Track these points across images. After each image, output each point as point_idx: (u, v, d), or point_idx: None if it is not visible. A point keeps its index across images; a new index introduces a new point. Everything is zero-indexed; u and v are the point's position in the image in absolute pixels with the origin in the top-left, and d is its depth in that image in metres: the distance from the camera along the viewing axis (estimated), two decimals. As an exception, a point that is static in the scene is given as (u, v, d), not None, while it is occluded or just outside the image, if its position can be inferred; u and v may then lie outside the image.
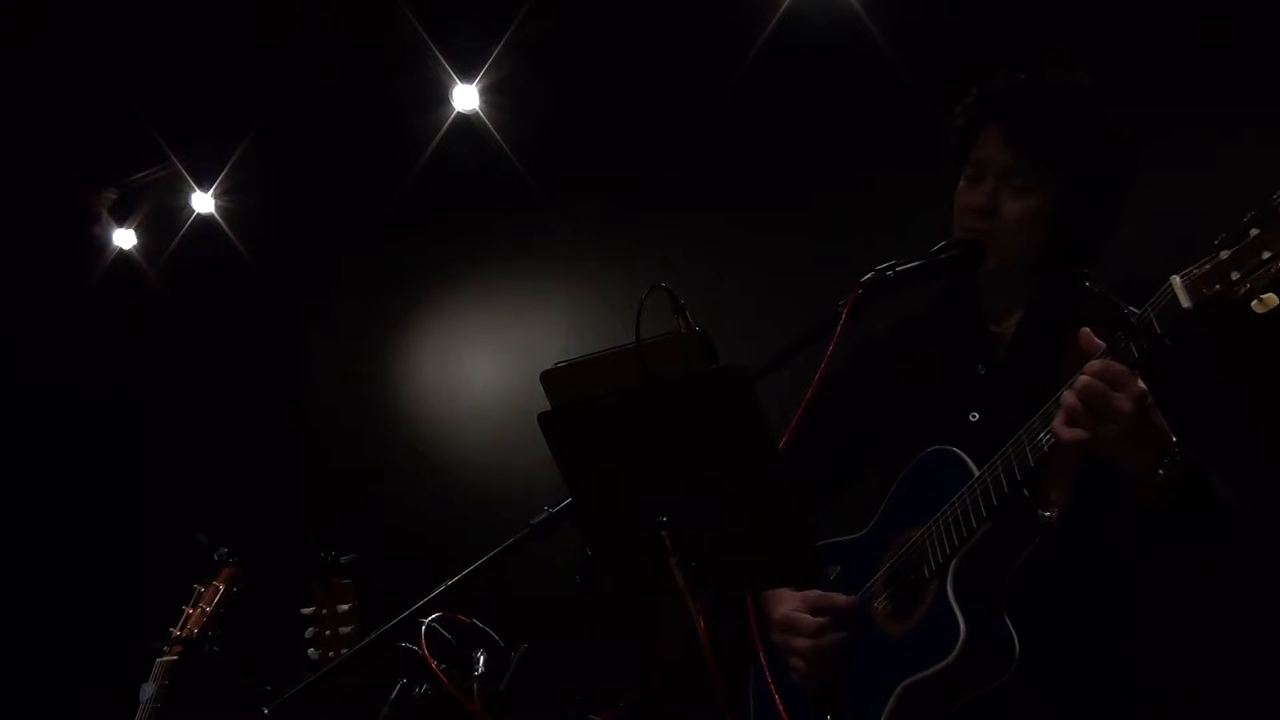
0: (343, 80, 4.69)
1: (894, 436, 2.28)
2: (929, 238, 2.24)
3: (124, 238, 5.40)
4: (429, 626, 2.09)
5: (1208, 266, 1.71)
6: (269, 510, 4.75)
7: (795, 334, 2.08)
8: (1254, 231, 1.67)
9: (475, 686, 2.10)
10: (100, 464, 5.35)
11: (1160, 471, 1.84)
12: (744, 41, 3.97)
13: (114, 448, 5.36)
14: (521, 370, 4.36)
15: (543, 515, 2.00)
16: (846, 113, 3.83)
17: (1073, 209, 2.17)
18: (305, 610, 2.42)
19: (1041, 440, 1.92)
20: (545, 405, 1.81)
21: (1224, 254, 1.69)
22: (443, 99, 4.58)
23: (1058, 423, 1.86)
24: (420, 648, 2.09)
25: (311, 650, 2.40)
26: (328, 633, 2.41)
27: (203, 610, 2.89)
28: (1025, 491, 1.96)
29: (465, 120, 4.59)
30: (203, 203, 5.14)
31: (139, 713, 2.78)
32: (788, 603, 2.25)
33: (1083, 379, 1.81)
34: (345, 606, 2.42)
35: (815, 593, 2.24)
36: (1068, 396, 1.83)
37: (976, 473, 2.02)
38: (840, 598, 2.23)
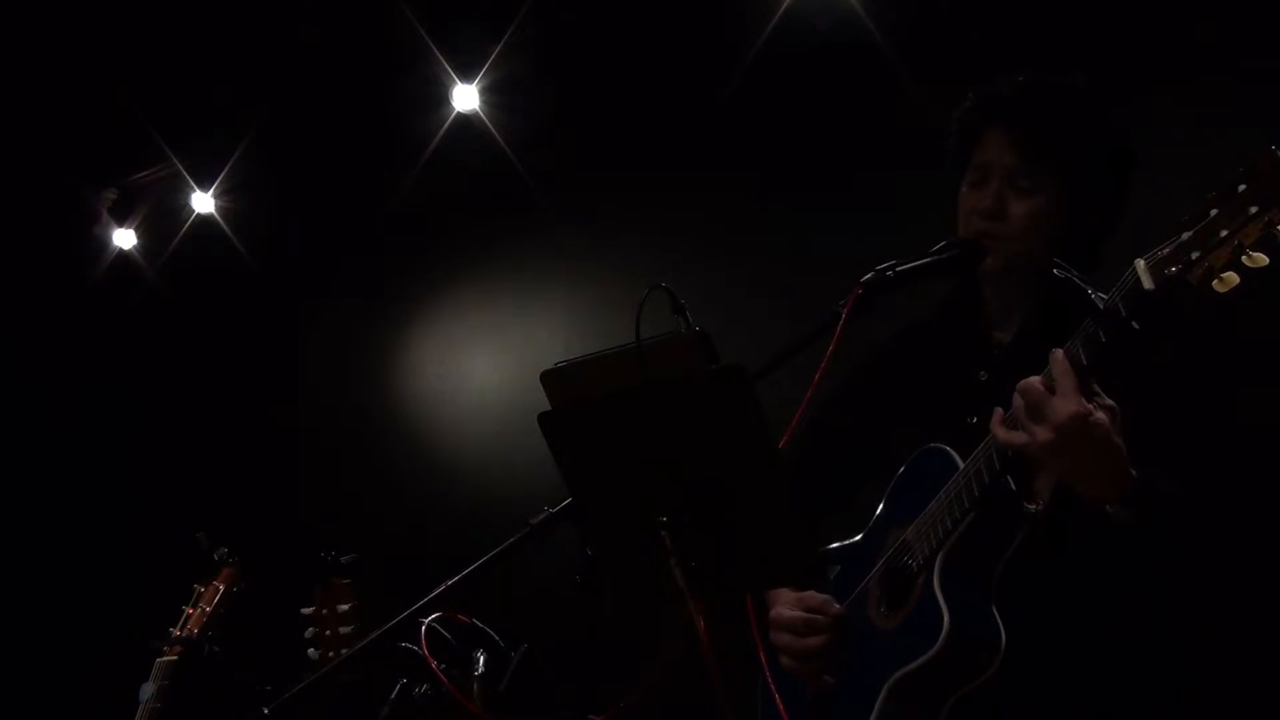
0: (343, 80, 4.69)
1: (896, 444, 2.29)
2: (929, 238, 2.24)
3: (124, 238, 5.39)
4: (429, 626, 2.09)
5: (1170, 248, 1.72)
6: (269, 510, 4.75)
7: (795, 334, 2.08)
8: (1213, 211, 1.68)
9: (475, 686, 2.10)
10: (100, 464, 5.35)
11: (1109, 509, 1.86)
12: (744, 41, 3.97)
13: (114, 448, 5.36)
14: (521, 370, 4.37)
15: (543, 515, 2.00)
16: (846, 113, 3.83)
17: (1076, 208, 2.18)
18: (305, 610, 2.42)
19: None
20: (545, 405, 1.81)
21: (1185, 235, 1.70)
22: (443, 99, 4.58)
23: (995, 421, 1.89)
24: (420, 648, 2.09)
25: (311, 650, 2.40)
26: (328, 633, 2.41)
27: (203, 610, 2.89)
28: (1011, 483, 1.97)
29: (465, 120, 4.59)
30: (203, 203, 5.14)
31: (139, 713, 2.78)
32: (783, 603, 2.26)
33: (1027, 381, 1.83)
34: (345, 606, 2.42)
35: (811, 593, 2.25)
36: (1015, 397, 1.84)
37: (961, 466, 2.04)
38: (828, 599, 2.23)
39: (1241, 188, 1.66)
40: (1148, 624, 2.09)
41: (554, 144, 4.46)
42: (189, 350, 5.25)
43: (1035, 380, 1.84)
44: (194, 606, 2.91)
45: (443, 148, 4.63)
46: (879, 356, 2.44)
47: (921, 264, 2.15)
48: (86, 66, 4.60)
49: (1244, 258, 1.66)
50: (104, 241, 5.41)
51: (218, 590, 2.92)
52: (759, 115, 4.02)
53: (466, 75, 4.51)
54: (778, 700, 2.08)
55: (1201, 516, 1.95)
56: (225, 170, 5.06)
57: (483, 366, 4.78)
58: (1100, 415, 1.80)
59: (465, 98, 4.54)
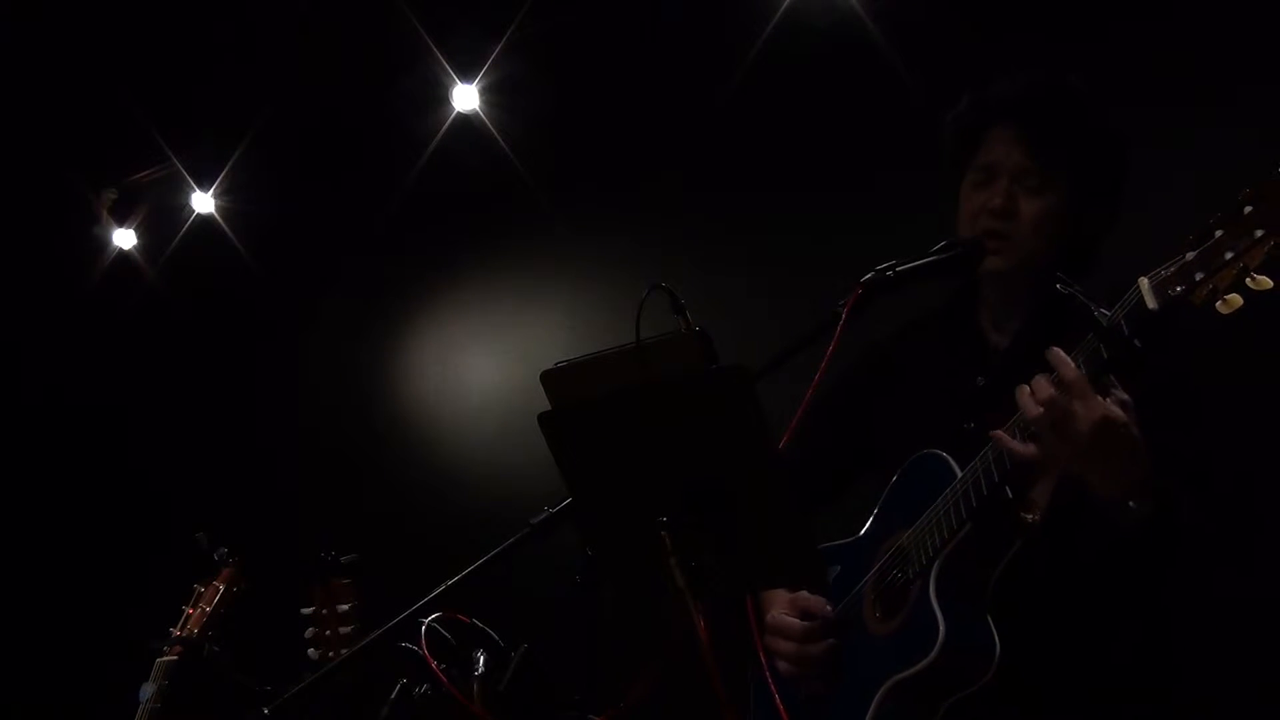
0: (343, 80, 4.69)
1: (893, 447, 2.29)
2: (929, 238, 2.24)
3: (124, 238, 5.39)
4: (429, 626, 2.09)
5: (1174, 268, 1.73)
6: (269, 510, 4.75)
7: (795, 334, 2.08)
8: (1218, 233, 1.69)
9: (475, 686, 2.10)
10: (100, 464, 5.35)
11: (1131, 504, 1.86)
12: (744, 41, 3.97)
13: (114, 447, 5.36)
14: (521, 370, 4.36)
15: (543, 515, 2.00)
16: (846, 113, 3.83)
17: (1081, 210, 2.19)
18: (305, 610, 2.43)
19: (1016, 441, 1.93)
20: (545, 405, 1.81)
21: (1189, 255, 1.71)
22: (443, 99, 4.58)
23: (999, 433, 1.89)
24: (420, 648, 2.09)
25: (311, 650, 2.40)
26: (328, 633, 2.41)
27: (203, 610, 2.89)
28: (1009, 493, 1.97)
29: (465, 120, 4.58)
30: (203, 203, 5.14)
31: (139, 713, 2.78)
32: (778, 605, 2.26)
33: (1043, 389, 1.82)
34: (345, 606, 2.43)
35: (804, 595, 2.25)
36: (1029, 408, 1.84)
37: (959, 475, 2.04)
38: (822, 602, 2.24)
39: (1248, 210, 1.66)
40: (1142, 634, 2.09)
41: (554, 144, 4.46)
42: (189, 350, 5.25)
43: (1047, 385, 1.83)
44: (194, 606, 2.91)
45: (443, 148, 4.63)
46: (878, 353, 2.44)
47: (921, 264, 2.15)
48: (86, 66, 4.60)
49: (1248, 280, 1.66)
50: (104, 241, 5.40)
51: (218, 590, 2.92)
52: (759, 115, 4.02)
53: (466, 75, 4.51)
54: (777, 700, 2.08)
55: (1200, 522, 1.95)
56: (225, 170, 5.05)
57: (483, 366, 4.78)
58: (1120, 413, 1.80)
59: (465, 98, 4.54)
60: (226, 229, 5.15)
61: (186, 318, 5.27)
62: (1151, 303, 1.74)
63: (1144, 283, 1.75)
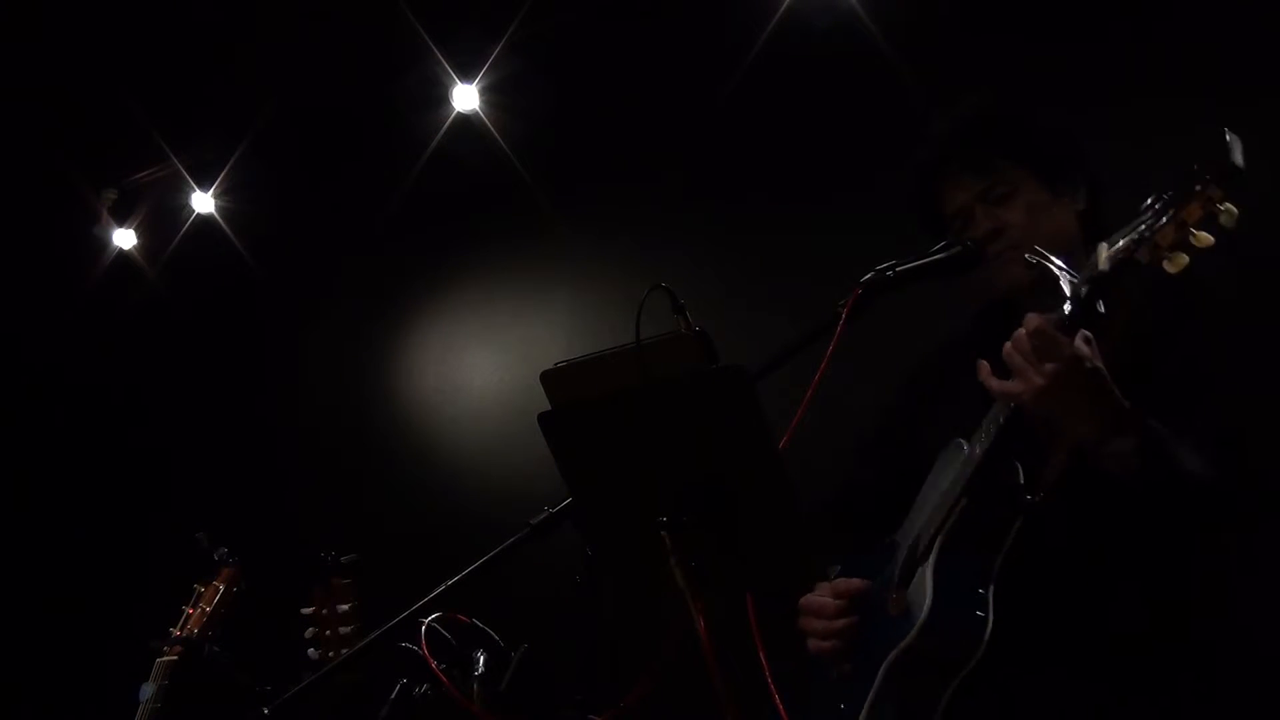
0: (343, 80, 4.69)
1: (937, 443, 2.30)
2: (929, 238, 2.24)
3: (124, 238, 5.39)
4: (429, 626, 2.09)
5: (1129, 232, 1.76)
6: (269, 510, 4.75)
7: (795, 334, 2.08)
8: (1166, 195, 1.74)
9: (475, 686, 2.10)
10: (100, 464, 5.35)
11: (1110, 438, 1.86)
12: (744, 41, 3.97)
13: (114, 447, 5.36)
14: (521, 370, 4.37)
15: (543, 515, 2.01)
16: (846, 113, 3.83)
17: (1058, 190, 2.22)
18: (305, 610, 2.43)
19: (997, 414, 1.96)
20: (545, 405, 1.81)
21: (1142, 219, 1.76)
22: (443, 99, 4.58)
23: (983, 372, 1.90)
24: (420, 648, 2.09)
25: (311, 650, 2.41)
26: (328, 633, 2.41)
27: (203, 610, 2.89)
28: (1020, 473, 1.97)
29: (465, 120, 4.58)
30: (203, 203, 5.14)
31: (139, 713, 2.78)
32: (819, 588, 2.27)
33: (1017, 332, 1.85)
34: (345, 606, 2.43)
35: (842, 580, 2.26)
36: (1004, 348, 1.87)
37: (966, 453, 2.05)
38: (858, 583, 2.24)
39: (1194, 167, 1.72)
40: (1159, 612, 2.07)
41: (554, 144, 4.46)
42: (189, 350, 5.25)
43: (1021, 331, 1.85)
44: (194, 606, 2.91)
45: (443, 148, 4.63)
46: (924, 372, 2.45)
47: (921, 264, 2.16)
48: (86, 66, 4.59)
49: (1190, 237, 1.70)
50: (104, 241, 5.40)
51: (218, 590, 2.93)
52: (759, 115, 4.02)
53: (466, 75, 4.51)
54: (777, 701, 2.08)
55: (1235, 491, 1.94)
56: (225, 170, 5.05)
57: (483, 367, 4.77)
58: (1085, 349, 1.83)
59: (465, 98, 4.54)
60: (226, 229, 5.15)
61: (186, 318, 5.27)
62: (1104, 265, 1.77)
63: (1102, 246, 1.79)
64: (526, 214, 4.50)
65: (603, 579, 1.91)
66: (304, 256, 5.02)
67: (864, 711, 2.08)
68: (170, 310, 5.30)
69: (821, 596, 2.25)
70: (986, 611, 1.97)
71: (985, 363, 1.92)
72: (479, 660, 2.12)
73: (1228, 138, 1.75)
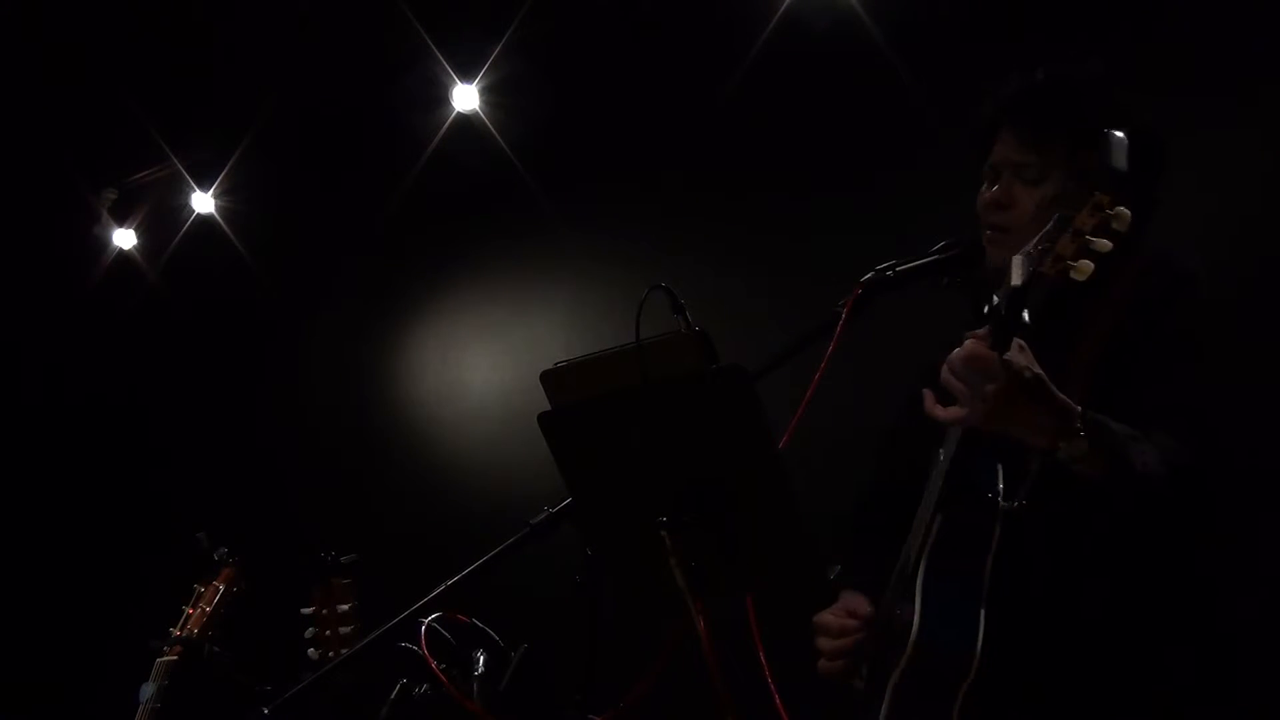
0: (343, 80, 4.69)
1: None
2: (929, 238, 2.24)
3: (124, 238, 5.39)
4: (429, 626, 2.09)
5: (1039, 245, 1.79)
6: (269, 510, 4.75)
7: (795, 334, 2.08)
8: (1070, 210, 1.76)
9: (475, 686, 2.10)
10: (100, 464, 5.35)
11: (1061, 444, 1.86)
12: (743, 41, 3.97)
13: (114, 448, 5.36)
14: (521, 370, 4.36)
15: (543, 515, 2.01)
16: (846, 113, 3.83)
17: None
18: (305, 610, 2.43)
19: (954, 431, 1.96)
20: (545, 405, 1.81)
21: (1046, 232, 1.79)
22: (443, 99, 4.58)
23: (928, 402, 1.91)
24: (420, 648, 2.09)
25: (311, 650, 2.41)
26: (328, 633, 2.41)
27: (203, 610, 2.89)
28: (1000, 475, 1.98)
29: (465, 120, 4.59)
30: (203, 203, 5.14)
31: (139, 713, 2.78)
32: (841, 603, 2.28)
33: (951, 356, 1.86)
34: (345, 606, 2.43)
35: (851, 597, 2.26)
36: (942, 374, 1.88)
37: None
38: (864, 601, 2.24)
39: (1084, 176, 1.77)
40: (1150, 616, 2.07)
41: (554, 144, 4.46)
42: (189, 350, 5.25)
43: (952, 361, 1.86)
44: (194, 606, 2.91)
45: (443, 148, 4.63)
46: (927, 371, 2.45)
47: (921, 264, 2.16)
48: (86, 66, 4.60)
49: (1090, 244, 1.73)
50: (104, 241, 5.41)
51: (218, 590, 2.92)
52: (759, 115, 4.02)
53: (466, 75, 4.51)
54: (778, 701, 2.08)
55: (1206, 478, 1.94)
56: (225, 170, 5.06)
57: (483, 366, 4.77)
58: (1019, 356, 1.83)
59: (465, 98, 4.54)
60: (226, 229, 5.15)
61: (186, 318, 5.27)
62: (1016, 279, 1.79)
63: (1015, 261, 1.82)
64: (526, 214, 4.50)
65: (603, 579, 1.91)
66: (304, 256, 5.02)
67: None
68: (170, 310, 5.30)
69: (833, 615, 2.25)
70: (977, 624, 1.97)
71: (929, 392, 1.92)
72: (479, 660, 2.13)
73: (1111, 141, 1.78)
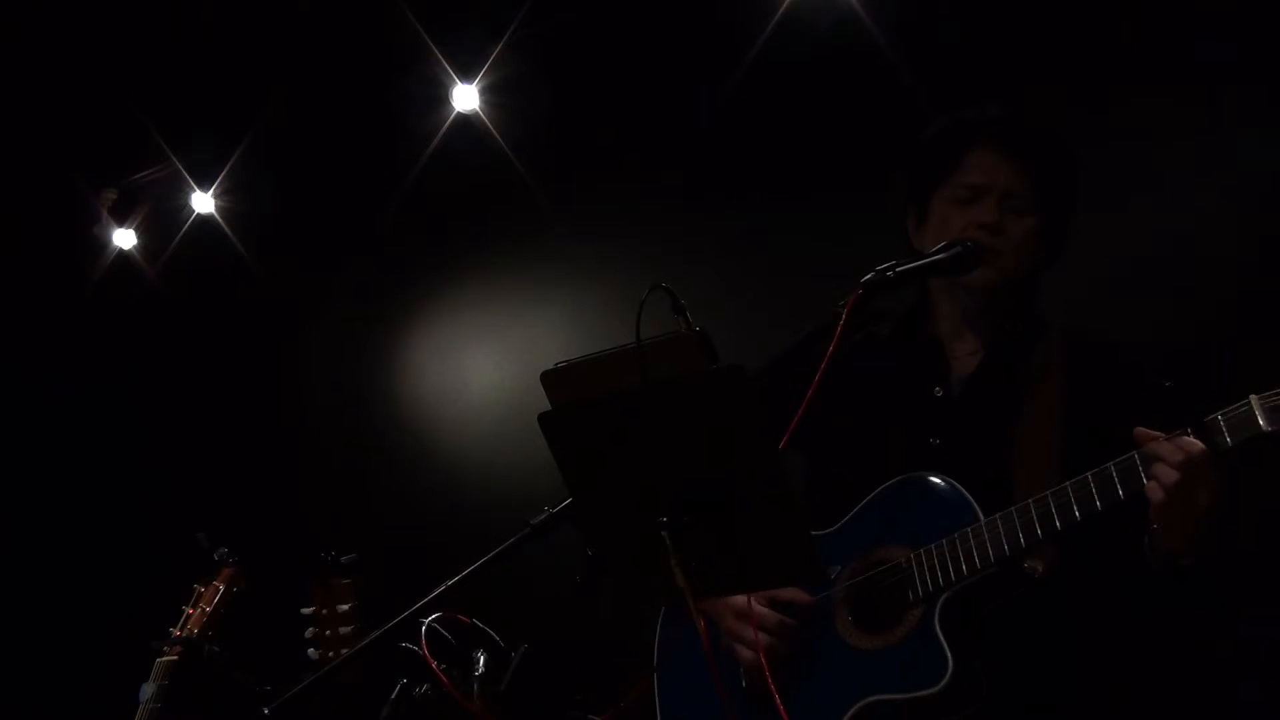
0: (343, 80, 4.69)
1: (850, 450, 2.32)
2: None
3: (124, 238, 5.39)
4: (429, 626, 2.09)
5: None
6: (269, 510, 4.75)
7: (795, 334, 2.08)
8: None
9: (475, 686, 2.10)
10: (100, 464, 5.35)
11: (1184, 560, 1.90)
12: (744, 41, 3.97)
13: (114, 447, 5.36)
14: (521, 370, 4.36)
15: (543, 515, 2.01)
16: (846, 113, 3.83)
17: (1051, 236, 2.28)
18: (305, 610, 2.43)
19: (1095, 502, 1.94)
20: (545, 405, 1.81)
21: None
22: (443, 99, 4.58)
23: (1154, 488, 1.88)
24: (420, 648, 2.09)
25: (311, 650, 2.40)
26: (328, 633, 2.41)
27: (203, 610, 2.89)
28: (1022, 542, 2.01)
29: (465, 120, 4.58)
30: (203, 203, 5.14)
31: (139, 713, 2.78)
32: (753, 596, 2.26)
33: (1182, 451, 1.84)
34: (345, 606, 2.43)
35: (785, 589, 2.25)
36: (1163, 472, 1.85)
37: (983, 518, 2.05)
38: (800, 595, 2.24)
39: None
40: (1107, 688, 2.15)
41: (554, 144, 4.46)
42: (189, 350, 5.25)
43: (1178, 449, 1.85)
44: (194, 606, 2.91)
45: (443, 148, 4.62)
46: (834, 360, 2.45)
47: (921, 264, 2.16)
48: (86, 66, 4.59)
49: None
50: (104, 241, 5.40)
51: (218, 590, 2.92)
52: (759, 115, 4.02)
53: (466, 75, 4.51)
54: (778, 701, 2.08)
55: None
56: (225, 170, 5.05)
57: (483, 366, 4.77)
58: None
59: (465, 98, 4.54)
60: (226, 229, 5.15)
61: (186, 318, 5.27)
62: (1266, 424, 1.78)
63: (1254, 400, 1.80)
64: (526, 214, 4.50)
65: (603, 579, 1.91)
66: (304, 256, 5.02)
67: None
68: (170, 310, 5.30)
69: (758, 605, 2.22)
70: (983, 668, 2.02)
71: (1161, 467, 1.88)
72: (479, 660, 2.12)
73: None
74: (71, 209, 5.34)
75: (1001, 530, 2.02)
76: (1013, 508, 2.02)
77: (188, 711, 2.82)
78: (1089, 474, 1.95)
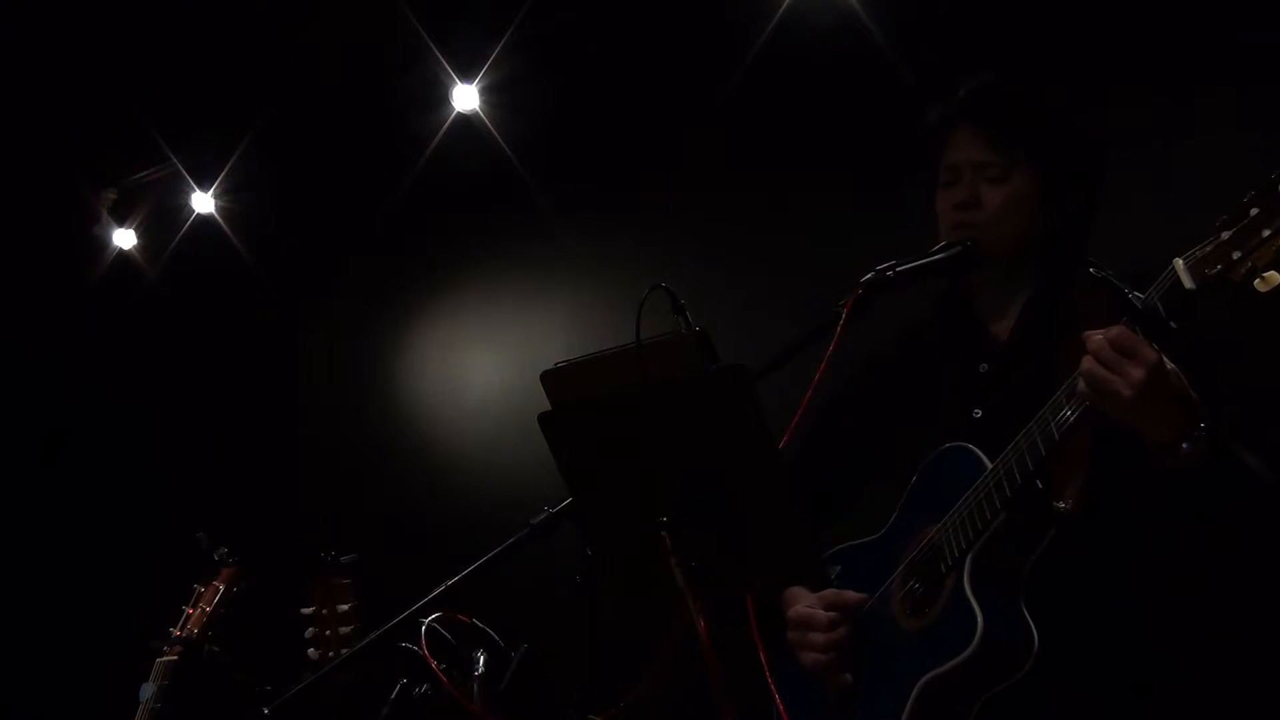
0: (343, 80, 4.69)
1: (899, 442, 2.30)
2: (929, 238, 2.24)
3: (124, 238, 5.39)
4: (429, 626, 2.09)
5: (1209, 247, 1.75)
6: (269, 510, 4.75)
7: (795, 334, 2.08)
8: (1253, 211, 1.71)
9: (475, 686, 2.10)
10: (100, 464, 5.35)
11: (1184, 445, 1.86)
12: (744, 42, 3.97)
13: (114, 448, 5.36)
14: (521, 370, 4.36)
15: (543, 515, 2.01)
16: (847, 113, 3.83)
17: (1050, 196, 2.22)
18: (305, 610, 2.43)
19: (1052, 428, 1.94)
20: (545, 405, 1.81)
21: (1225, 234, 1.73)
22: (443, 99, 4.58)
23: (1080, 386, 1.88)
24: (420, 648, 2.09)
25: (311, 650, 2.40)
26: (328, 633, 2.41)
27: (203, 610, 2.89)
28: (1038, 483, 1.97)
29: (465, 120, 4.58)
30: (203, 203, 5.14)
31: (139, 713, 2.78)
32: (802, 600, 2.25)
33: (1096, 339, 1.83)
34: (345, 606, 2.43)
35: (831, 591, 2.25)
36: (1084, 361, 1.85)
37: (989, 466, 2.04)
38: (854, 595, 2.23)
39: None
40: (1179, 619, 2.10)
41: (554, 144, 4.46)
42: (189, 350, 5.25)
43: (1102, 340, 1.84)
44: (194, 606, 2.91)
45: (443, 148, 4.62)
46: (878, 357, 2.45)
47: (921, 264, 2.16)
48: (86, 66, 4.59)
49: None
50: (104, 241, 5.40)
51: (218, 590, 2.92)
52: (759, 115, 4.02)
53: (466, 75, 4.51)
54: (777, 700, 2.08)
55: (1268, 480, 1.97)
56: (225, 170, 5.05)
57: (483, 366, 4.77)
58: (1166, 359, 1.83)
59: (465, 98, 4.53)
60: (226, 229, 5.15)
61: (186, 318, 5.27)
62: (1188, 282, 1.76)
63: (1179, 263, 1.78)
64: (526, 214, 4.50)
65: (603, 579, 1.91)
66: (304, 256, 5.02)
67: None
68: (170, 310, 5.30)
69: (811, 609, 2.23)
70: (1028, 623, 1.97)
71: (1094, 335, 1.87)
72: (479, 660, 2.12)
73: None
74: (71, 209, 5.34)
75: (1002, 472, 2.00)
76: (1009, 446, 2.00)
77: (188, 711, 2.82)
78: (1047, 404, 1.95)
